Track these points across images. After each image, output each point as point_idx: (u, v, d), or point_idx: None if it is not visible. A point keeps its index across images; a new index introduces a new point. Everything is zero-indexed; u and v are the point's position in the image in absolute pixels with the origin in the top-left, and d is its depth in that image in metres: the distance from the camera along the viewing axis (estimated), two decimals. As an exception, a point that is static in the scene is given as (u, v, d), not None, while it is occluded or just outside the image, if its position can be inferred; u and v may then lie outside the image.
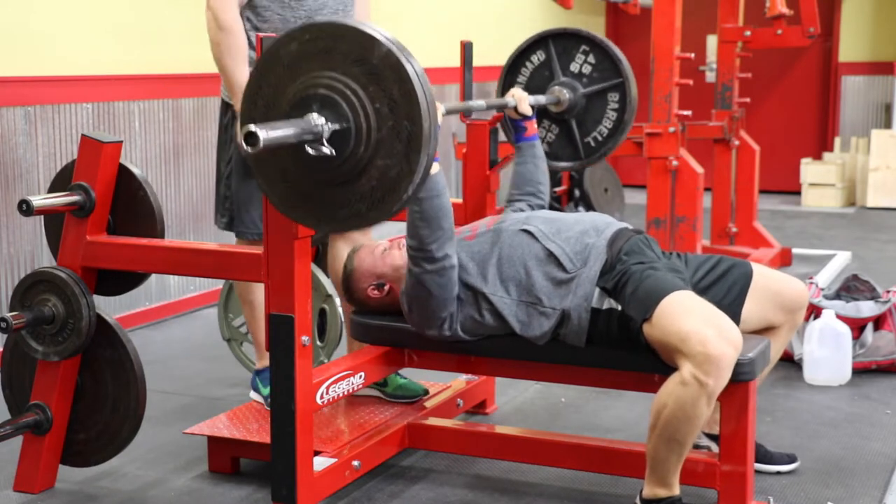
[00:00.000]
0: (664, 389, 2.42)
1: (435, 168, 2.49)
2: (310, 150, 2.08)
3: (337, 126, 2.08)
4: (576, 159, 3.48)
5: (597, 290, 2.59)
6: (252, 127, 1.95)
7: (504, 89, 3.51)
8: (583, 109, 3.45)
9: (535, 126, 3.23)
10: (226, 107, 3.13)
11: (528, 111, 3.19)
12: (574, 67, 3.47)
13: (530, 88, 3.47)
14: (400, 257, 2.83)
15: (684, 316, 2.42)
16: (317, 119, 2.07)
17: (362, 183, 2.11)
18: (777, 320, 2.79)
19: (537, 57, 3.53)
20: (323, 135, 2.07)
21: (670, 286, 2.50)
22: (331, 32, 2.10)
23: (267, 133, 1.97)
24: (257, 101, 2.19)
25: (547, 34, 3.51)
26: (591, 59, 3.45)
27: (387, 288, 2.87)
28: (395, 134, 2.06)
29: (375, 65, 2.05)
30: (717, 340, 2.36)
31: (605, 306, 2.58)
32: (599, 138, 3.45)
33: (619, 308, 2.56)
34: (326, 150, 2.07)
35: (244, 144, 1.96)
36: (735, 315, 2.68)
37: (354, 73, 2.07)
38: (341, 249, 3.20)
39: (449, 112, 2.84)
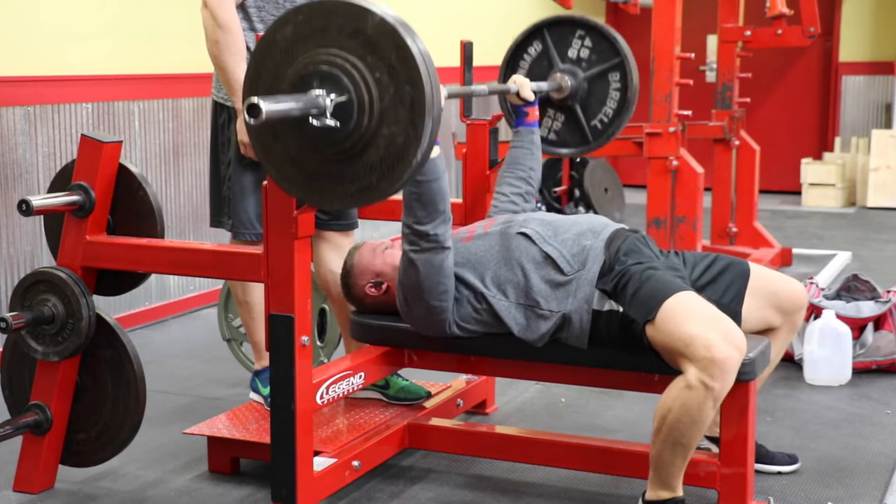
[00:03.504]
0: (669, 394, 2.41)
1: (435, 151, 2.49)
2: (314, 123, 2.08)
3: (339, 99, 2.08)
4: (584, 143, 3.47)
5: (597, 293, 2.58)
6: (254, 99, 1.95)
7: (505, 81, 3.51)
8: (586, 93, 3.44)
9: (537, 113, 3.23)
10: (220, 108, 3.12)
11: (531, 96, 3.18)
12: (572, 53, 3.46)
13: (531, 79, 3.46)
14: (399, 256, 2.82)
15: (688, 319, 2.41)
16: (318, 93, 2.07)
17: (370, 154, 2.11)
18: (776, 321, 2.79)
19: (534, 48, 3.53)
20: (326, 108, 2.07)
21: (672, 287, 2.50)
22: (324, 10, 2.11)
23: (269, 105, 1.97)
24: (258, 88, 2.19)
25: (541, 24, 3.51)
26: (587, 42, 3.45)
27: (384, 286, 2.86)
28: (398, 101, 2.05)
29: (371, 35, 2.06)
30: (722, 344, 2.36)
31: (605, 308, 2.57)
32: (605, 120, 3.44)
33: (620, 310, 2.55)
34: (331, 122, 2.07)
35: (247, 116, 1.96)
36: (735, 314, 2.68)
37: (351, 46, 2.07)
38: (324, 253, 3.20)
39: (451, 96, 2.83)
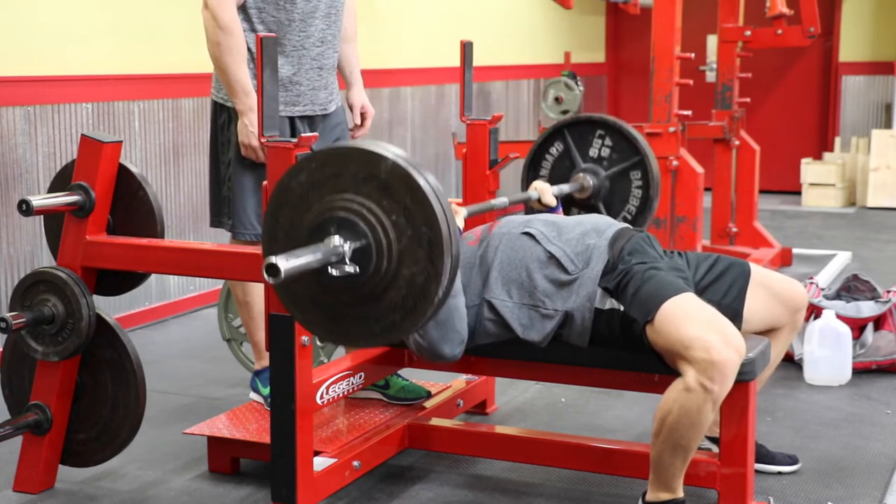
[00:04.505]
0: (668, 396, 2.41)
1: None
2: (334, 272, 2.09)
3: (357, 244, 2.09)
4: None
5: (599, 291, 2.58)
6: (272, 259, 1.97)
7: (527, 184, 3.54)
8: (608, 192, 3.50)
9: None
10: (219, 108, 3.12)
11: (553, 202, 3.20)
12: (593, 152, 3.53)
13: (554, 179, 3.53)
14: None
15: (687, 321, 2.42)
16: (336, 241, 2.09)
17: (392, 295, 2.12)
18: (777, 322, 2.79)
19: (555, 148, 3.59)
20: (345, 255, 2.08)
21: (672, 288, 2.50)
22: (336, 156, 2.13)
23: (287, 262, 1.98)
24: (276, 235, 2.21)
25: (561, 125, 3.59)
26: (608, 141, 3.51)
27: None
28: (416, 242, 2.07)
29: (384, 179, 2.07)
30: (721, 346, 2.36)
31: (607, 306, 2.57)
32: (629, 217, 3.50)
33: (621, 308, 2.55)
34: (350, 268, 2.09)
35: (266, 276, 1.97)
36: (736, 314, 2.68)
37: (366, 191, 2.09)
38: None
39: (471, 214, 2.89)
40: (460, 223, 2.80)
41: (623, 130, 3.50)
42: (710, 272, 2.75)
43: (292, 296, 2.24)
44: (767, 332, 2.78)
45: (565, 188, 3.40)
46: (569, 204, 3.50)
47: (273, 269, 1.97)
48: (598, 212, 3.49)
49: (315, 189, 2.15)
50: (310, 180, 2.15)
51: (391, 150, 2.09)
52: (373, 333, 2.19)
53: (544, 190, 3.21)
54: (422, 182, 2.06)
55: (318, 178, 2.14)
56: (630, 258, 2.61)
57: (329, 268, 2.09)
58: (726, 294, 2.72)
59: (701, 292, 2.64)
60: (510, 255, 2.68)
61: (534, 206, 3.24)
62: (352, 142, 2.15)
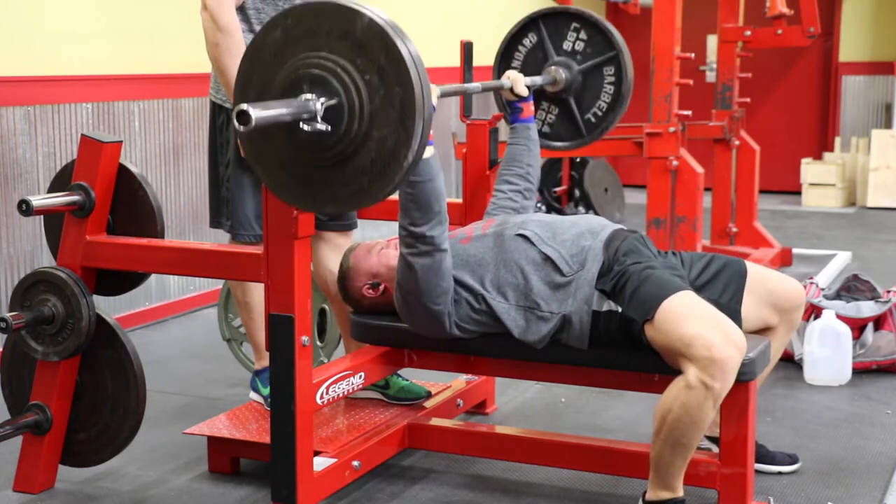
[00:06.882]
0: (669, 394, 2.41)
1: (429, 151, 2.48)
2: (305, 128, 2.07)
3: (329, 102, 2.07)
4: (578, 137, 3.46)
5: (596, 293, 2.58)
6: (244, 105, 1.95)
7: (499, 75, 3.50)
8: (580, 86, 3.43)
9: (532, 108, 3.22)
10: (218, 109, 3.12)
11: (524, 92, 3.17)
12: (567, 46, 3.46)
13: (526, 72, 3.45)
14: (395, 257, 2.81)
15: (687, 319, 2.41)
16: (309, 97, 2.07)
17: (361, 157, 2.10)
18: (774, 320, 2.79)
19: (529, 40, 3.53)
20: (317, 112, 2.06)
21: (670, 287, 2.49)
22: (312, 12, 2.11)
23: (259, 111, 1.96)
24: (248, 92, 2.19)
25: (536, 15, 3.51)
26: (582, 35, 3.44)
27: (382, 287, 2.86)
28: (388, 102, 2.05)
29: (360, 37, 2.05)
30: (722, 344, 2.36)
31: (604, 308, 2.57)
32: (599, 113, 3.44)
33: (619, 310, 2.55)
34: (321, 126, 2.07)
35: (237, 123, 1.96)
36: (735, 313, 2.68)
37: (340, 49, 2.07)
38: (323, 253, 3.20)
39: (444, 94, 2.82)
40: (434, 101, 2.78)
41: (598, 24, 3.42)
42: (706, 271, 2.75)
43: (261, 155, 2.21)
44: (765, 330, 2.78)
45: (538, 80, 3.34)
46: (540, 97, 3.44)
47: (244, 116, 1.94)
48: (569, 106, 3.45)
49: (289, 46, 2.12)
50: (284, 37, 2.12)
51: (369, 8, 2.06)
52: (340, 197, 2.16)
53: (517, 79, 3.17)
54: (398, 42, 2.03)
55: (293, 35, 2.11)
56: (625, 259, 2.61)
57: (300, 124, 2.06)
58: (723, 293, 2.71)
59: (697, 291, 2.64)
60: (505, 257, 2.67)
61: (505, 96, 3.22)
62: None
